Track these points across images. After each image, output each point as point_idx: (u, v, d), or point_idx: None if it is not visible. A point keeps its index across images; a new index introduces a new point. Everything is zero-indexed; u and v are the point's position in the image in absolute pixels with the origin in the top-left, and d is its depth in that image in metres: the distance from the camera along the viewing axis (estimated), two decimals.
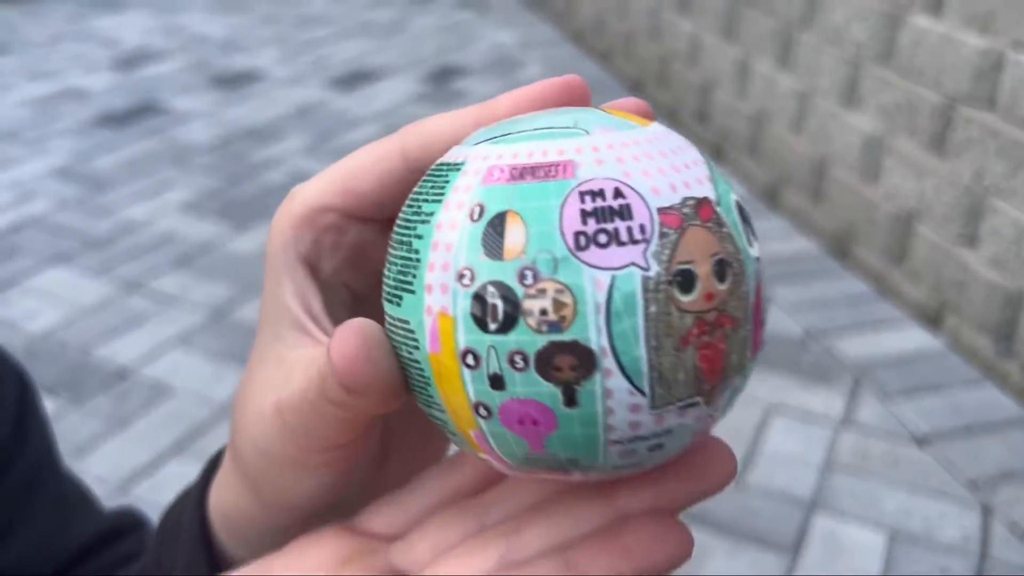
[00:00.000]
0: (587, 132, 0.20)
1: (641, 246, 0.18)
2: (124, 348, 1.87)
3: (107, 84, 3.46)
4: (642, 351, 0.18)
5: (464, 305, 0.19)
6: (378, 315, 0.22)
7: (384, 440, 0.27)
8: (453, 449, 0.24)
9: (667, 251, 0.18)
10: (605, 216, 0.18)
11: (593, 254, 0.18)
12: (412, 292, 0.20)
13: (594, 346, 0.18)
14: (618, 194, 0.19)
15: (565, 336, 0.18)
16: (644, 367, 0.18)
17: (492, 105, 0.23)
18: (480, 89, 3.40)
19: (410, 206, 0.21)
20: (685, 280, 0.18)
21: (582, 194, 0.19)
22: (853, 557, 1.36)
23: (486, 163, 0.20)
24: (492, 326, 0.19)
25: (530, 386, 0.19)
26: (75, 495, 0.44)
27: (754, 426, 1.63)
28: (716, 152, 2.82)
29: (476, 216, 0.19)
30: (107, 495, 1.47)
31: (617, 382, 0.18)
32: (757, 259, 0.20)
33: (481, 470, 0.24)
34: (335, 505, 0.26)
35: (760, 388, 1.73)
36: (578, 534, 0.21)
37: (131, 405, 1.70)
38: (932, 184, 1.89)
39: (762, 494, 1.48)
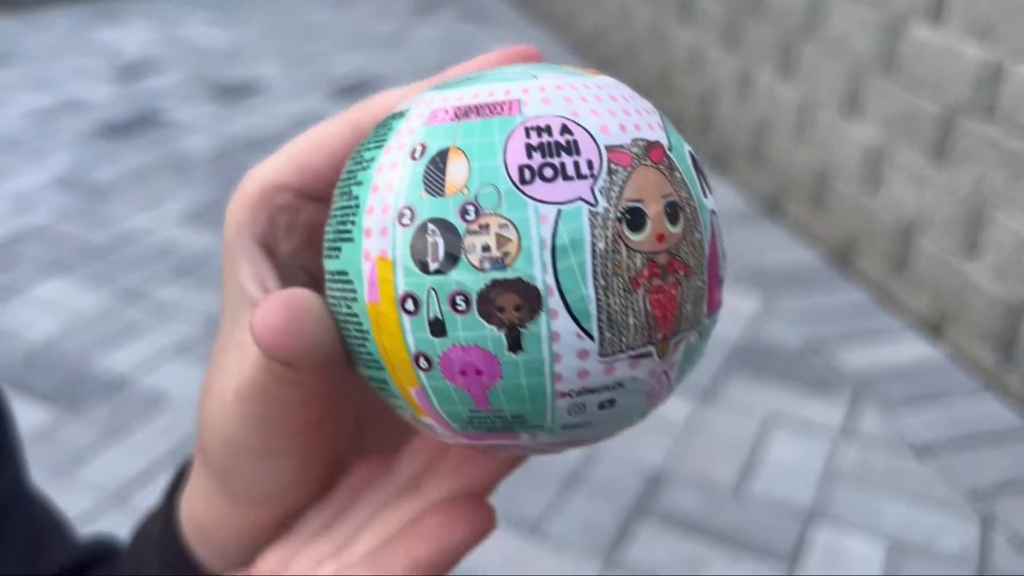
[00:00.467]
0: (535, 77, 0.19)
1: (588, 181, 0.17)
2: (122, 357, 1.86)
3: (108, 95, 3.47)
4: (590, 290, 0.17)
5: (403, 246, 0.18)
6: None
7: (358, 432, 0.27)
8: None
9: (616, 188, 0.18)
10: (551, 151, 0.18)
11: (538, 188, 0.17)
12: (351, 240, 0.19)
13: (539, 284, 0.17)
14: (565, 130, 0.18)
15: (508, 273, 0.17)
16: (592, 307, 0.17)
17: (444, 75, 0.23)
18: None
19: (352, 158, 0.20)
20: (635, 218, 0.17)
21: (528, 129, 0.18)
22: (852, 568, 1.35)
23: (431, 107, 0.19)
24: (432, 266, 0.18)
25: (472, 330, 0.18)
26: (47, 524, 0.42)
27: (754, 436, 1.63)
28: (717, 162, 2.82)
29: (418, 155, 0.18)
30: (104, 503, 1.47)
31: (564, 324, 0.17)
32: (712, 212, 0.19)
33: (345, 501, 0.25)
34: (306, 499, 0.25)
35: (760, 398, 1.73)
36: (394, 530, 0.22)
37: (129, 414, 1.69)
38: (933, 194, 1.89)
39: (762, 504, 1.47)
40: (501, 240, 0.17)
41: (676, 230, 0.18)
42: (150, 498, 1.49)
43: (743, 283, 2.15)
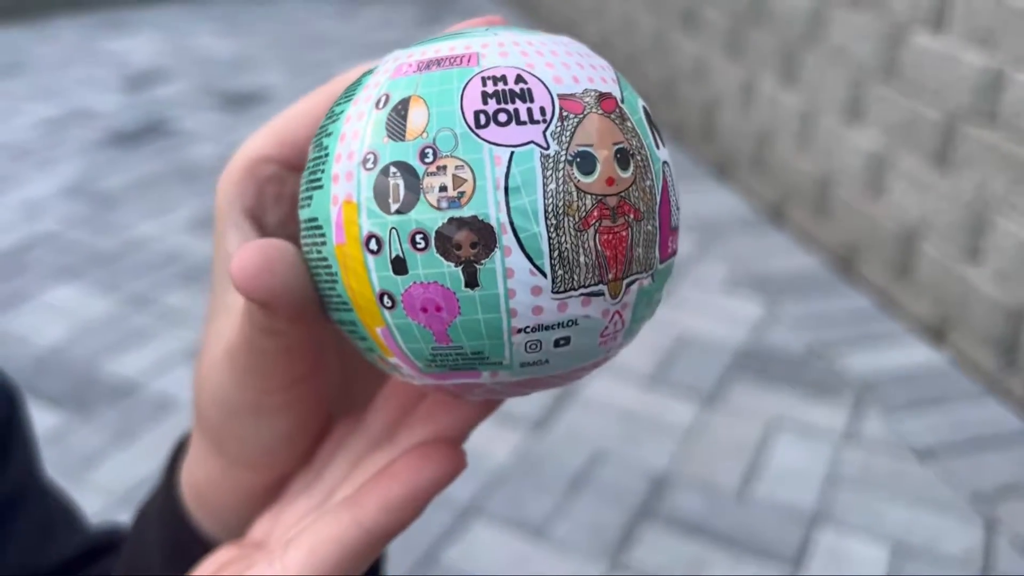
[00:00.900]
0: (496, 35, 0.21)
1: (541, 126, 0.18)
2: (131, 363, 1.88)
3: (116, 104, 3.50)
4: (541, 227, 0.18)
5: (367, 188, 0.19)
6: None
7: (346, 396, 0.28)
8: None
9: (567, 133, 0.19)
10: (506, 98, 0.19)
11: (492, 131, 0.18)
12: (320, 187, 0.20)
13: (493, 221, 0.18)
14: (520, 79, 0.19)
15: (464, 212, 0.18)
16: (544, 245, 0.18)
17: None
18: None
19: (326, 115, 0.22)
20: (585, 161, 0.18)
21: (484, 79, 0.19)
22: (856, 570, 1.36)
23: (396, 62, 0.21)
24: (394, 207, 0.19)
25: (431, 267, 0.19)
26: (58, 512, 0.43)
27: (757, 440, 1.64)
28: (721, 170, 2.83)
29: (382, 104, 0.20)
30: (113, 507, 1.48)
31: (517, 260, 0.18)
32: (665, 163, 0.20)
33: (326, 461, 0.26)
34: (296, 462, 0.26)
35: (764, 402, 1.74)
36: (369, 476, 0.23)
37: (137, 419, 1.71)
38: (934, 200, 1.90)
39: (765, 507, 1.48)
40: (457, 180, 0.18)
41: (626, 175, 0.19)
42: None
43: (747, 288, 2.16)
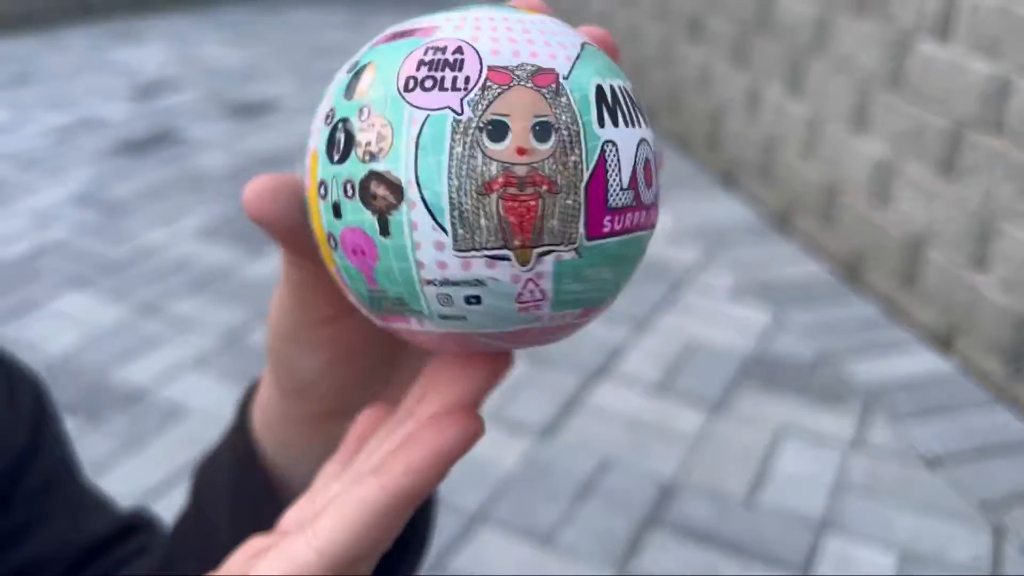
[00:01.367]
0: (478, 10, 0.22)
1: (460, 93, 0.20)
2: (140, 370, 1.89)
3: (125, 113, 3.53)
4: (443, 187, 0.19)
5: (323, 141, 0.22)
6: None
7: (389, 381, 0.31)
8: None
9: (485, 102, 0.20)
10: (438, 66, 0.20)
11: (416, 96, 0.20)
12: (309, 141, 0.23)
13: (402, 176, 0.20)
14: (458, 51, 0.20)
15: (381, 166, 0.20)
16: (445, 204, 0.19)
17: None
18: None
19: None
20: (496, 130, 0.19)
21: (428, 48, 0.21)
22: None
23: (381, 34, 0.23)
24: (335, 157, 0.21)
25: (355, 214, 0.21)
26: (89, 495, 0.46)
27: (765, 447, 1.64)
28: (727, 178, 2.84)
29: (350, 69, 0.22)
30: None
31: (421, 216, 0.20)
32: (610, 142, 0.20)
33: (355, 444, 0.28)
34: (337, 396, 0.30)
35: (771, 410, 1.74)
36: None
37: (147, 426, 1.72)
38: (941, 208, 1.90)
39: (773, 515, 1.48)
40: (380, 137, 0.20)
41: (543, 147, 0.19)
42: (169, 508, 1.51)
43: (753, 296, 2.16)
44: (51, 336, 2.01)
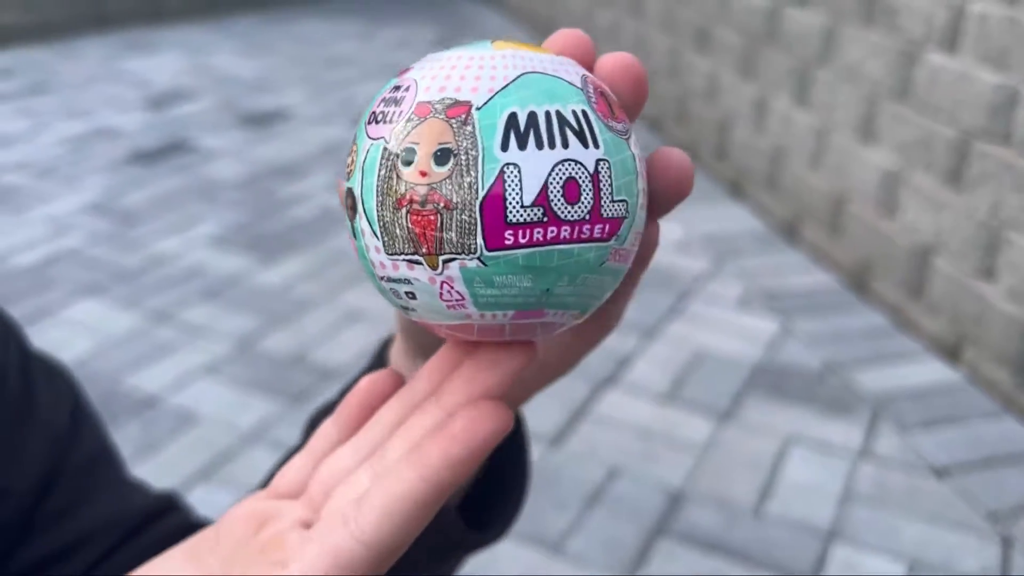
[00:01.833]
0: (463, 48, 0.25)
1: (391, 126, 0.24)
2: (153, 377, 1.91)
3: (139, 123, 3.56)
4: (373, 202, 0.24)
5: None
6: None
7: (413, 356, 0.34)
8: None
9: (405, 133, 0.23)
10: (390, 103, 0.24)
11: (372, 128, 0.24)
12: None
13: (356, 192, 0.24)
14: (406, 88, 0.24)
15: (349, 183, 0.25)
16: (375, 215, 0.24)
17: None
18: None
19: None
20: (408, 155, 0.23)
21: (393, 87, 0.25)
22: None
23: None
24: (347, 173, 0.26)
25: (345, 220, 0.25)
26: (130, 475, 0.48)
27: (773, 456, 1.64)
28: (735, 187, 2.85)
29: None
30: None
31: (365, 225, 0.24)
32: (511, 164, 0.23)
33: (358, 412, 0.29)
34: (411, 350, 0.35)
35: (779, 419, 1.74)
36: (423, 435, 0.25)
37: (159, 432, 1.73)
38: (949, 218, 1.91)
39: (781, 524, 1.48)
40: (351, 161, 0.25)
41: (441, 170, 0.23)
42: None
43: (761, 305, 2.17)
44: (65, 343, 2.03)
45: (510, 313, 0.24)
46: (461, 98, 0.23)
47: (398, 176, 0.23)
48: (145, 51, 4.75)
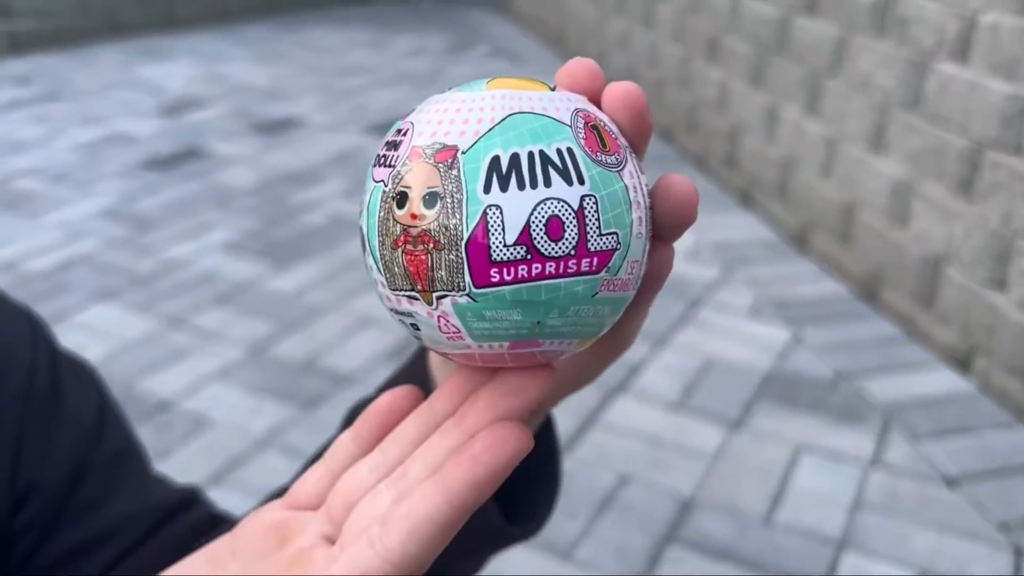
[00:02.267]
0: (460, 90, 0.26)
1: (390, 170, 0.25)
2: (166, 381, 1.92)
3: (153, 130, 3.59)
4: (376, 242, 0.25)
5: None
6: None
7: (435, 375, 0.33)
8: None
9: (399, 176, 0.25)
10: (391, 147, 0.26)
11: (376, 171, 0.26)
12: None
13: (363, 231, 0.26)
14: (405, 132, 0.26)
15: (360, 221, 0.26)
16: (378, 254, 0.25)
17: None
18: None
19: None
20: (401, 199, 0.25)
21: (396, 130, 0.26)
22: None
23: None
24: None
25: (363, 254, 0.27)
26: (152, 468, 0.50)
27: (784, 464, 1.64)
28: (745, 197, 2.85)
29: None
30: None
31: (371, 261, 0.26)
32: (494, 206, 0.24)
33: (377, 427, 0.30)
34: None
35: (790, 427, 1.75)
36: (445, 456, 0.26)
37: (172, 436, 1.75)
38: (961, 228, 1.91)
39: (791, 532, 1.48)
40: (362, 201, 0.26)
41: (429, 212, 0.24)
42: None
43: (772, 314, 2.17)
44: (79, 347, 2.05)
45: (506, 344, 0.25)
46: (449, 142, 0.24)
47: (394, 218, 0.24)
48: (159, 59, 4.79)
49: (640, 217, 0.26)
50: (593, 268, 0.25)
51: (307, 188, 3.00)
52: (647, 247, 0.27)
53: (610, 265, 0.25)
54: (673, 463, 1.65)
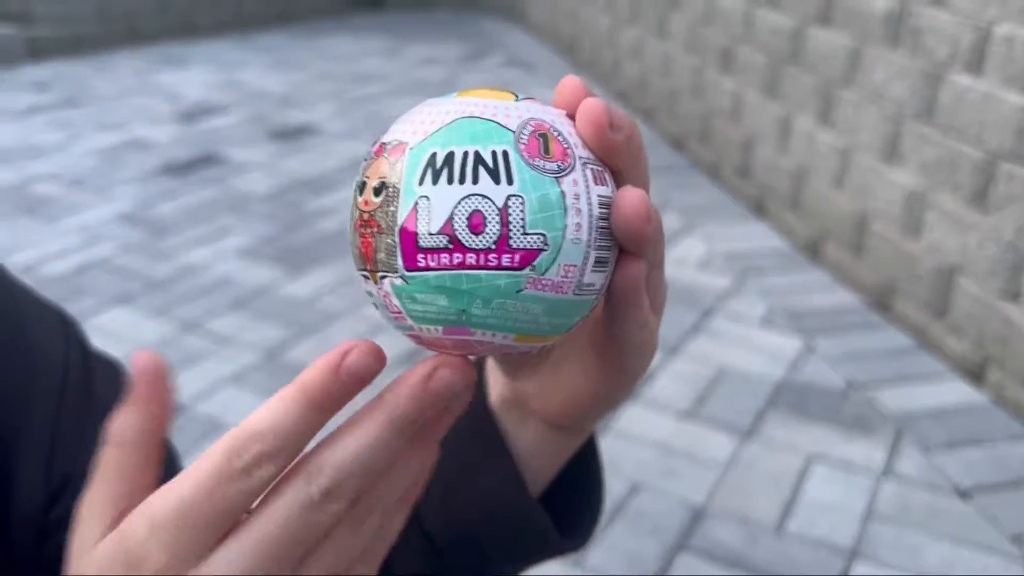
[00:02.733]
0: (440, 99, 0.29)
1: (363, 163, 0.28)
2: (181, 385, 1.94)
3: (170, 136, 3.63)
4: (349, 226, 0.28)
5: None
6: None
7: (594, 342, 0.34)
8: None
9: (364, 169, 0.28)
10: (374, 144, 0.28)
11: (360, 168, 0.28)
12: None
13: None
14: (382, 132, 0.29)
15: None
16: (349, 237, 0.28)
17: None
18: None
19: None
20: (361, 187, 0.27)
21: (384, 132, 0.29)
22: None
23: None
24: None
25: None
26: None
27: (795, 474, 1.64)
28: (758, 206, 2.86)
29: None
30: None
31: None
32: (424, 197, 0.26)
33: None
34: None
35: (801, 437, 1.75)
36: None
37: (186, 440, 1.76)
38: (974, 239, 1.91)
39: (802, 541, 1.48)
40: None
41: (376, 200, 0.27)
42: None
43: (784, 324, 2.17)
44: None
45: (440, 329, 0.27)
46: (403, 139, 0.27)
47: (355, 204, 0.27)
48: (177, 66, 4.84)
49: (580, 224, 0.27)
50: (515, 264, 0.26)
51: (322, 195, 3.02)
52: (599, 256, 0.27)
53: (535, 264, 0.26)
54: (685, 471, 1.66)
